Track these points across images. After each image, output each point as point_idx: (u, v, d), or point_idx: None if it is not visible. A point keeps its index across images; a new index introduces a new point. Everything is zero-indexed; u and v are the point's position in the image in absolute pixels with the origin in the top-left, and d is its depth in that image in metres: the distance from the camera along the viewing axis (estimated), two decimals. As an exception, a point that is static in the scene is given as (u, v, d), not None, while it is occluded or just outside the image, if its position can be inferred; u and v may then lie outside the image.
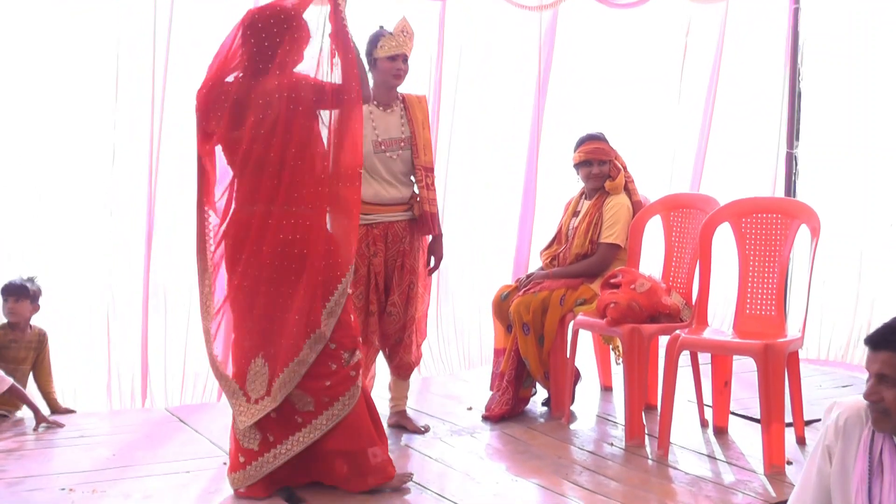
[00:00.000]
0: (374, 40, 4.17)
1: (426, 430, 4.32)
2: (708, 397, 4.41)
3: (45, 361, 4.49)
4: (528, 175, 5.69)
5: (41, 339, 4.47)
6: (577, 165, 4.72)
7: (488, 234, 5.72)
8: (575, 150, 4.73)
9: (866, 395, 2.46)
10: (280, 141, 3.42)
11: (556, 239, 4.83)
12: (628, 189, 4.70)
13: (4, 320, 4.42)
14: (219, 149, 3.59)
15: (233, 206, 3.56)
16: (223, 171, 3.61)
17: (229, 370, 3.57)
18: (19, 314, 4.37)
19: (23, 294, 4.37)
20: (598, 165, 4.64)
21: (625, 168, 4.71)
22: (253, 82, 3.46)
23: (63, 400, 4.60)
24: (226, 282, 3.58)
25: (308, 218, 3.46)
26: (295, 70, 3.51)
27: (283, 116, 3.41)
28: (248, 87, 3.46)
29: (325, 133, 3.52)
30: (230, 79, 3.51)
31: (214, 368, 3.61)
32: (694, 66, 6.14)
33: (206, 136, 3.56)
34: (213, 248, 3.61)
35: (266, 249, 3.45)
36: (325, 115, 3.52)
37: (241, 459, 3.47)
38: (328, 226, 3.52)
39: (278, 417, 3.45)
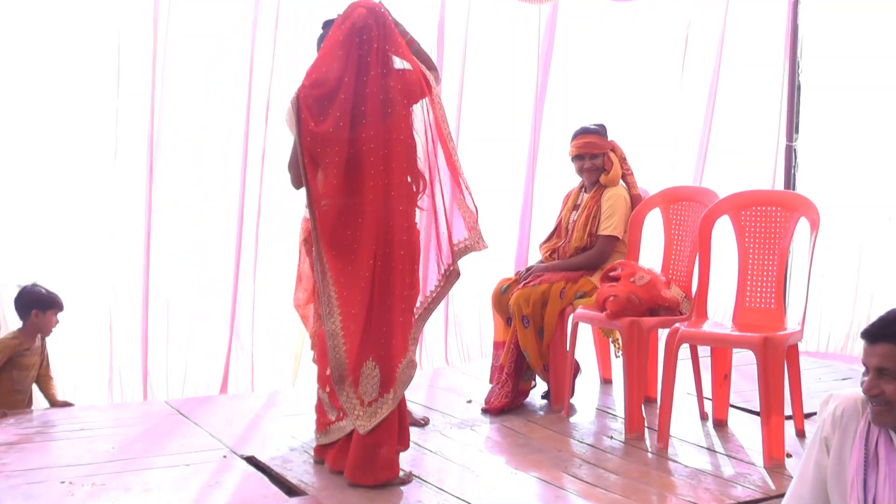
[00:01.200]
0: (328, 26, 4.10)
1: (426, 422, 4.32)
2: (707, 390, 4.41)
3: (47, 366, 4.56)
4: (529, 168, 5.69)
5: (44, 345, 4.53)
6: (572, 159, 4.73)
7: (489, 227, 5.71)
8: (570, 144, 4.73)
9: (866, 390, 2.44)
10: (389, 137, 3.49)
11: (555, 232, 4.83)
12: (627, 182, 4.70)
13: (10, 328, 4.48)
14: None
15: (326, 201, 3.56)
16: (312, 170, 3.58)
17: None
18: (54, 327, 4.49)
19: (62, 309, 4.49)
20: (590, 159, 4.65)
21: (623, 161, 4.70)
22: (359, 81, 3.49)
23: (63, 394, 4.61)
24: (340, 280, 3.54)
25: (406, 217, 3.55)
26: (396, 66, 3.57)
27: (393, 113, 3.49)
28: (355, 86, 3.48)
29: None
30: (333, 78, 3.51)
31: (339, 374, 3.52)
32: (695, 59, 6.14)
33: (309, 133, 3.51)
34: (323, 248, 3.57)
35: (380, 245, 3.51)
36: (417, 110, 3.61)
37: (325, 421, 3.69)
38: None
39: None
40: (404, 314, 3.56)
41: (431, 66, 3.72)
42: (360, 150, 3.48)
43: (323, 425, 3.72)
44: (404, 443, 3.66)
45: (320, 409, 3.74)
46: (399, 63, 3.58)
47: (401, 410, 3.63)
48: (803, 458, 2.66)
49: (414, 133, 3.60)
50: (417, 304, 3.67)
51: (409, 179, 3.58)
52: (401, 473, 3.58)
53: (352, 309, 3.50)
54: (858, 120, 5.67)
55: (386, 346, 3.52)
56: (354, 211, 3.50)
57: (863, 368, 2.49)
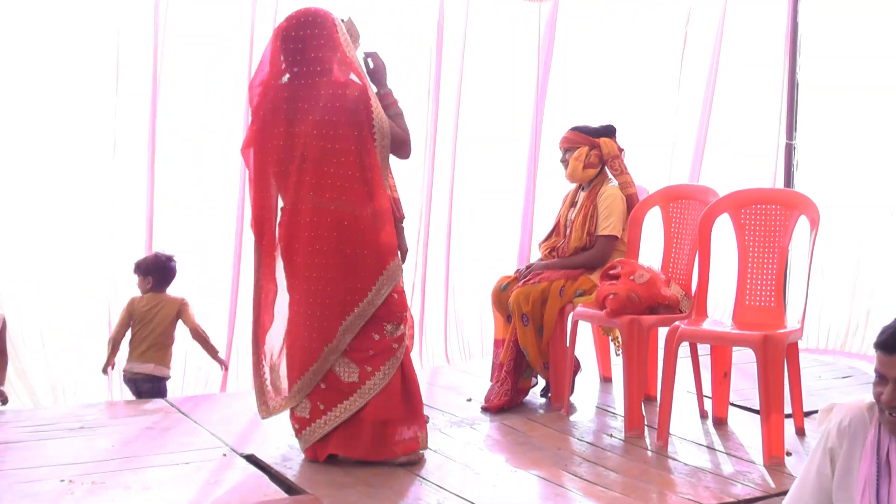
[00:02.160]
0: None
1: (425, 420, 4.31)
2: (707, 388, 4.41)
3: None
4: (530, 167, 5.70)
5: None
6: None
7: (491, 226, 5.73)
8: None
9: (886, 402, 2.38)
10: (328, 141, 3.55)
11: (554, 230, 4.83)
12: (620, 182, 4.65)
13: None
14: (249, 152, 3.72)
15: (279, 202, 3.70)
16: (259, 173, 3.70)
17: (283, 366, 3.76)
18: None
19: None
20: (567, 153, 4.69)
21: (613, 159, 4.63)
22: (297, 86, 3.57)
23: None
24: (284, 280, 3.74)
25: (348, 217, 3.58)
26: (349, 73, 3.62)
27: (330, 119, 3.54)
28: (294, 91, 3.57)
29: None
30: (282, 81, 3.61)
31: (255, 334, 3.79)
32: (693, 57, 6.15)
33: (250, 141, 3.68)
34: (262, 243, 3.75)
35: (319, 248, 3.59)
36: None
37: (296, 426, 3.74)
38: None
39: (327, 388, 3.66)
40: (322, 321, 3.61)
41: (382, 84, 3.74)
42: (279, 152, 3.59)
43: (296, 430, 3.76)
44: (414, 416, 3.73)
45: (291, 409, 3.79)
46: (341, 72, 3.61)
47: (406, 384, 3.71)
48: (805, 463, 2.63)
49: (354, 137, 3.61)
50: (354, 312, 3.63)
51: (338, 182, 3.59)
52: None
53: (270, 297, 3.76)
54: (858, 119, 5.67)
55: (301, 350, 3.66)
56: (287, 212, 3.63)
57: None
